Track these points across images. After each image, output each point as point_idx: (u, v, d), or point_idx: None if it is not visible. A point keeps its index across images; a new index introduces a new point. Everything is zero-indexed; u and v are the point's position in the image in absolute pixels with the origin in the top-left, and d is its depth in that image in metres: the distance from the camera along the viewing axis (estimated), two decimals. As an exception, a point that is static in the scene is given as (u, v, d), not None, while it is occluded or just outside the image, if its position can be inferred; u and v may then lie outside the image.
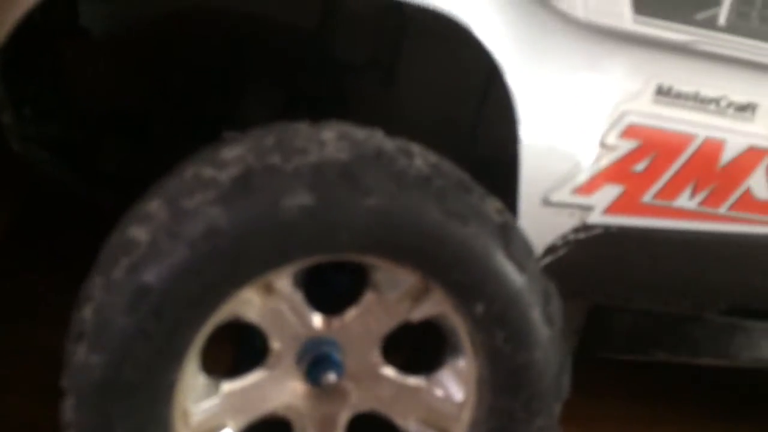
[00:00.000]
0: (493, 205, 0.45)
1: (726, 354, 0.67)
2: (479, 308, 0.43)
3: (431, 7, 0.47)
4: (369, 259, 0.43)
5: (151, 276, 0.38)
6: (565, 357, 0.46)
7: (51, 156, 0.63)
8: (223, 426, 0.45)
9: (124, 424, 0.39)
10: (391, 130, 0.50)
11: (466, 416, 0.47)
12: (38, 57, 0.61)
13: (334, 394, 0.48)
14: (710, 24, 0.61)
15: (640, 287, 0.62)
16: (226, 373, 0.49)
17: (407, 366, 0.51)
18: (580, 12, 0.58)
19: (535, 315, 0.44)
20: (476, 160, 0.53)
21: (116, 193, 0.60)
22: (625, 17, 0.59)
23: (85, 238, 0.48)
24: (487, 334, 0.45)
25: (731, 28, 0.61)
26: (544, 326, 0.44)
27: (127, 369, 0.38)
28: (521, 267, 0.43)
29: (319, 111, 0.63)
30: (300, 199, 0.39)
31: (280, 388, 0.47)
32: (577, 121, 0.55)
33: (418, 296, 0.46)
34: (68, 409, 0.39)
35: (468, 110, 0.54)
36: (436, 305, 0.45)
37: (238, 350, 0.51)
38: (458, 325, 0.46)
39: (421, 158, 0.44)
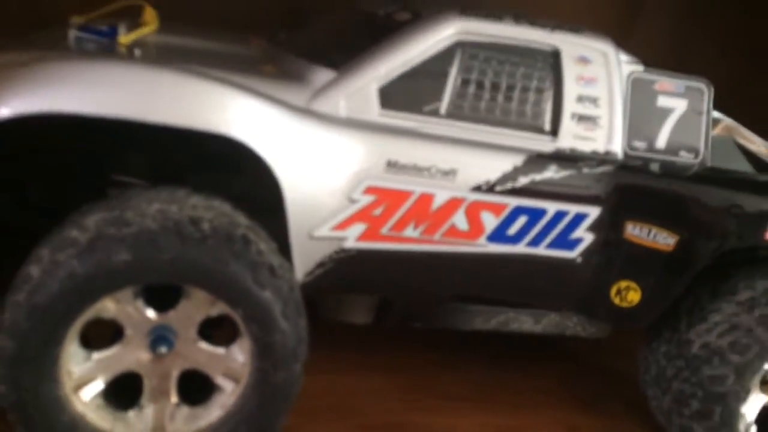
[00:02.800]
0: (254, 249, 0.70)
1: (455, 325, 0.94)
2: (240, 312, 0.68)
3: (212, 132, 0.70)
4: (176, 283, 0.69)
5: (39, 299, 0.62)
6: (301, 336, 0.72)
7: None
8: (96, 378, 0.70)
9: (28, 379, 0.63)
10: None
11: (246, 371, 0.71)
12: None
13: (168, 358, 0.71)
14: (434, 113, 0.85)
15: (388, 286, 0.87)
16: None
17: (229, 340, 0.77)
18: (342, 111, 0.81)
19: (276, 314, 0.68)
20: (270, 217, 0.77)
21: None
22: (373, 112, 0.82)
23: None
24: (249, 326, 0.70)
25: (449, 115, 0.83)
26: (283, 320, 0.69)
27: (27, 349, 0.62)
28: (263, 287, 0.68)
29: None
30: (123, 257, 0.63)
31: (133, 356, 0.70)
32: (333, 186, 0.76)
33: (212, 302, 0.71)
34: (-1, 376, 0.65)
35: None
36: (221, 308, 0.71)
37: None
38: (237, 319, 0.71)
39: (207, 224, 0.68)
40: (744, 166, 1.03)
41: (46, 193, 0.86)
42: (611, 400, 1.09)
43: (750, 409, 0.95)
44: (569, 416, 1.03)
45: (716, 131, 1.06)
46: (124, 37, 0.82)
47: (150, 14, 0.90)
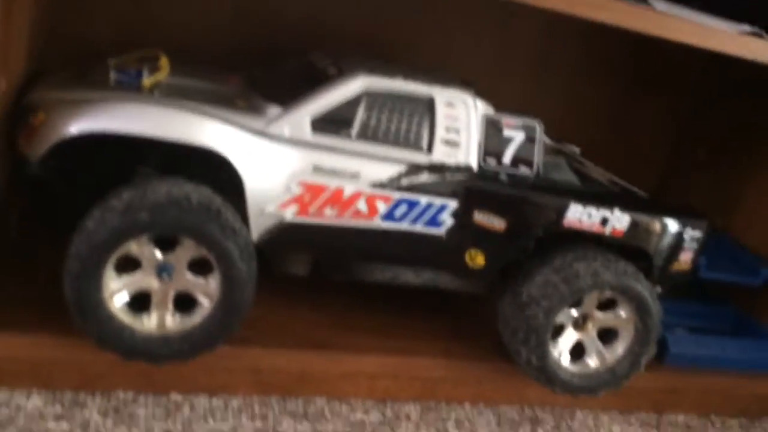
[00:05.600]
0: (224, 217, 1.06)
1: (362, 276, 1.29)
2: (213, 254, 1.04)
3: (199, 145, 1.07)
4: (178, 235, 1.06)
5: (95, 240, 0.99)
6: (252, 272, 1.08)
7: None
8: (123, 291, 1.07)
9: (84, 288, 0.99)
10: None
11: (217, 293, 1.07)
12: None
13: (168, 283, 1.08)
14: (347, 136, 1.18)
15: (315, 248, 1.24)
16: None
17: (207, 273, 1.13)
18: (286, 133, 1.18)
19: (236, 257, 1.04)
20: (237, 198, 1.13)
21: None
22: (306, 133, 1.19)
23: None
24: (219, 263, 1.06)
25: (357, 137, 1.19)
26: (240, 261, 1.05)
27: (85, 269, 0.99)
28: (228, 239, 1.04)
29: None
30: (144, 217, 1.00)
31: (146, 280, 1.07)
32: (278, 180, 1.12)
33: (196, 248, 1.07)
34: (66, 283, 1.02)
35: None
36: (202, 252, 1.07)
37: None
38: (211, 259, 1.08)
39: (195, 200, 1.05)
40: (571, 179, 1.40)
41: (91, 178, 1.22)
42: (482, 336, 1.45)
43: (564, 342, 1.33)
44: (446, 344, 1.39)
45: (553, 154, 1.44)
46: (147, 81, 1.18)
47: (164, 62, 1.26)
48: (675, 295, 1.66)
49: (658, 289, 1.46)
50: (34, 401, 1.14)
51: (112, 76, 1.19)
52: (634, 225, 1.27)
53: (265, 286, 1.21)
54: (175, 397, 1.23)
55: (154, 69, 1.25)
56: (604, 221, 1.25)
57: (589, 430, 1.51)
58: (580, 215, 1.24)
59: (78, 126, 1.02)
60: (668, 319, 1.65)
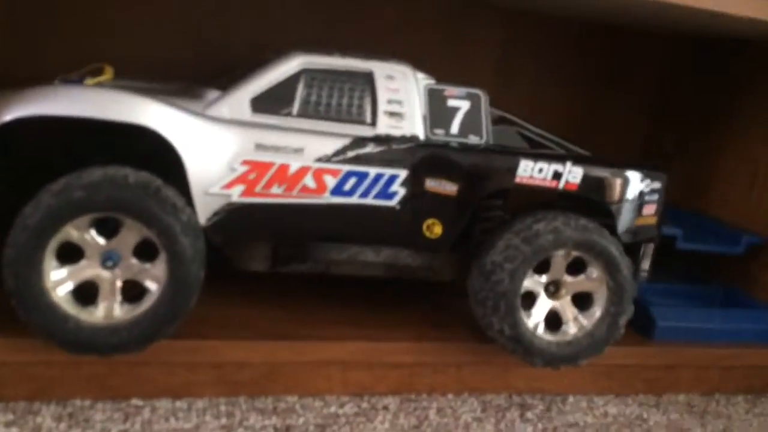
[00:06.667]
0: (163, 194, 1.04)
1: (320, 257, 1.27)
2: (154, 230, 1.02)
3: (136, 123, 1.07)
4: (116, 216, 1.04)
5: (30, 222, 0.96)
6: (198, 250, 1.06)
7: None
8: (67, 282, 1.04)
9: (23, 275, 0.97)
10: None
11: (165, 275, 1.05)
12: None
13: (114, 272, 1.06)
14: (288, 114, 1.22)
15: (266, 231, 1.20)
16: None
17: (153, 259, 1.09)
18: (225, 114, 1.18)
19: (177, 231, 1.02)
20: (179, 179, 1.13)
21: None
22: (246, 114, 1.19)
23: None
24: (161, 239, 1.03)
25: (298, 115, 1.20)
26: (182, 236, 1.02)
27: (22, 256, 0.96)
28: (167, 214, 1.01)
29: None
30: (79, 194, 0.98)
31: (91, 270, 1.05)
32: (220, 159, 1.11)
33: (139, 230, 1.06)
34: (5, 273, 0.99)
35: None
36: (145, 233, 1.05)
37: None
38: (155, 240, 1.06)
39: (133, 179, 1.02)
40: (521, 145, 1.39)
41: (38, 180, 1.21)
42: (454, 323, 1.40)
43: (538, 311, 1.29)
44: (418, 331, 1.34)
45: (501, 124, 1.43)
46: (89, 81, 1.19)
47: (107, 69, 1.28)
48: (662, 278, 1.64)
49: (644, 274, 1.43)
50: (-15, 412, 1.09)
51: (56, 83, 1.21)
52: (588, 178, 1.25)
53: (226, 284, 1.19)
54: (136, 401, 1.18)
55: (98, 75, 1.27)
56: (557, 175, 1.23)
57: (583, 412, 1.44)
58: (531, 171, 1.22)
59: (13, 112, 1.02)
60: (658, 301, 1.62)
